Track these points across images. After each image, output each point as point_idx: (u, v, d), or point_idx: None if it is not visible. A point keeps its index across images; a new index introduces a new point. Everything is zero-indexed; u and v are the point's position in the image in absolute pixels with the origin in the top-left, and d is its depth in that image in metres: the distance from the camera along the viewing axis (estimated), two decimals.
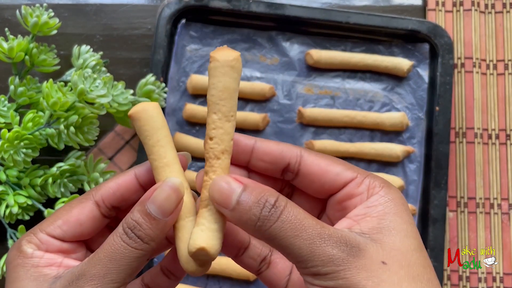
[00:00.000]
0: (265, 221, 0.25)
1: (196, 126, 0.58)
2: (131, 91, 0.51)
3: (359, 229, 0.26)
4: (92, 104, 0.47)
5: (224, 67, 0.28)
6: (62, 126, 0.47)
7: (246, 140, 0.29)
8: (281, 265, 0.31)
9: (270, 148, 0.29)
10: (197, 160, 0.57)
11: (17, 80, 0.52)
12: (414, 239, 0.26)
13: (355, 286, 0.24)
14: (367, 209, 0.27)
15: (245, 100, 0.59)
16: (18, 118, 0.50)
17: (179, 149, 0.57)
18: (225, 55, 0.28)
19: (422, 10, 0.62)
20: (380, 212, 0.26)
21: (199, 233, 0.27)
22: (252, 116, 0.57)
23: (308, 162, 0.28)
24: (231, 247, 0.29)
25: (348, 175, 0.28)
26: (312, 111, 0.58)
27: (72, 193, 0.51)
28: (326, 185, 0.28)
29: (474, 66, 0.61)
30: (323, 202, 0.30)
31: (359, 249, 0.25)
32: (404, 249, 0.25)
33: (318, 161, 0.28)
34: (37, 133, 0.48)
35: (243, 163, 0.30)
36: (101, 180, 0.51)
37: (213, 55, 0.28)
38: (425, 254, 0.26)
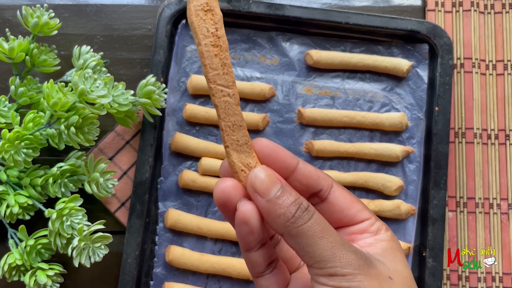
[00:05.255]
0: (298, 219, 0.27)
1: (196, 126, 0.58)
2: (132, 92, 0.51)
3: (366, 252, 0.29)
4: (92, 104, 0.47)
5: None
6: (62, 126, 0.47)
7: (291, 160, 0.30)
8: (282, 275, 0.32)
9: (310, 172, 0.30)
10: (196, 159, 0.57)
11: (17, 80, 0.52)
12: (410, 271, 0.30)
13: None
14: (374, 240, 0.30)
15: (245, 100, 0.59)
16: (18, 118, 0.50)
17: (179, 149, 0.57)
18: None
19: (422, 10, 0.62)
20: (384, 246, 0.30)
21: None
22: (252, 116, 0.57)
23: (337, 193, 0.31)
24: (257, 233, 0.29)
25: (366, 214, 0.31)
26: (312, 111, 0.58)
27: (72, 193, 0.51)
28: (346, 218, 0.31)
29: (474, 66, 0.61)
30: None
31: (371, 261, 0.28)
32: (405, 274, 0.29)
33: (345, 195, 0.31)
34: (37, 133, 0.48)
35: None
36: (101, 180, 0.51)
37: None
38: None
